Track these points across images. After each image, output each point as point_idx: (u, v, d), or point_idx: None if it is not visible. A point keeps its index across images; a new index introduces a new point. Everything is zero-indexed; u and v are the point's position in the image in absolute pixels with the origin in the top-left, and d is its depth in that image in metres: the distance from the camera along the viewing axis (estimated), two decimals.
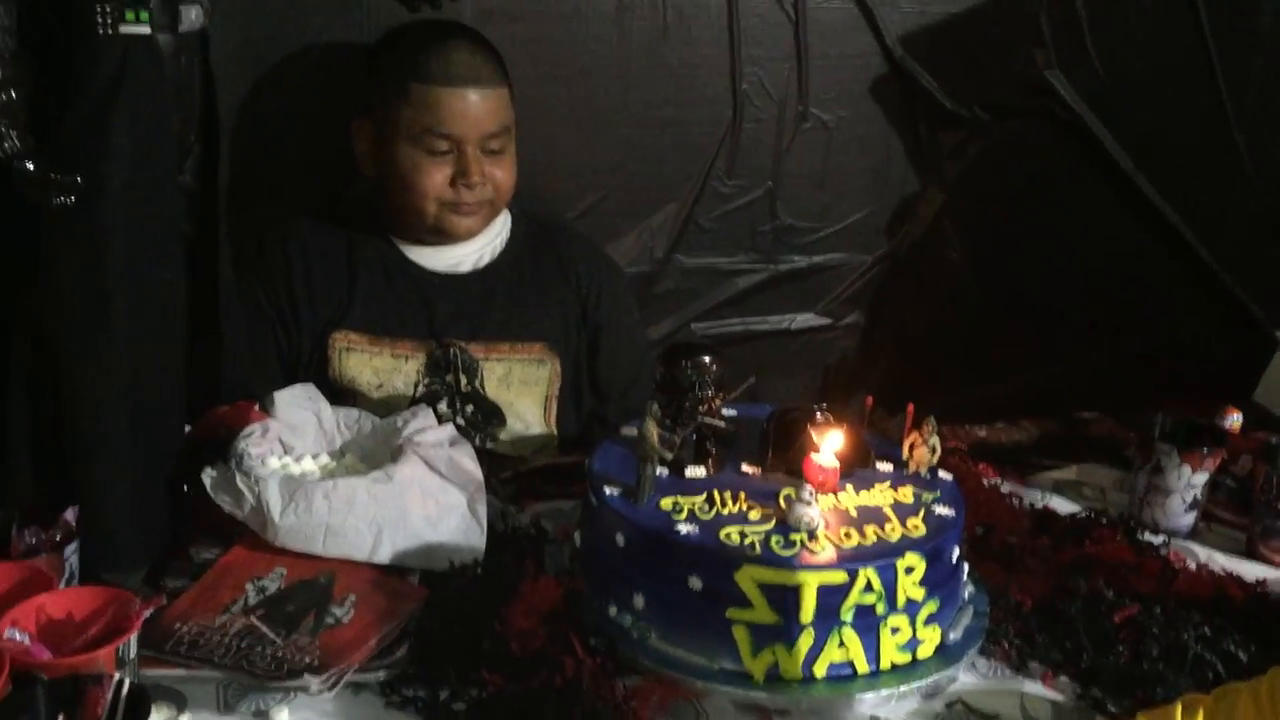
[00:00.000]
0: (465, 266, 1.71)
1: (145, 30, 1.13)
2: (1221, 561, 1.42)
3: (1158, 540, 1.43)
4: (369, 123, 1.65)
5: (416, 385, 1.65)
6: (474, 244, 1.72)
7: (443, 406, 1.64)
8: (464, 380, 1.66)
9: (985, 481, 1.55)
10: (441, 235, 1.68)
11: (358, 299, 1.65)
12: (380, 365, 1.64)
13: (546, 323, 1.73)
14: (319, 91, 1.76)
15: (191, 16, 1.18)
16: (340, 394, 1.60)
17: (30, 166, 1.08)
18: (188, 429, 1.33)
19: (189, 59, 1.21)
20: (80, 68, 1.12)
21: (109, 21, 1.11)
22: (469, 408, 1.67)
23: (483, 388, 1.68)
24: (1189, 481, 1.46)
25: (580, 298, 1.76)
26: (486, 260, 1.72)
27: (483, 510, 1.30)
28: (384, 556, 1.23)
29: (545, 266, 1.76)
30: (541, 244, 1.77)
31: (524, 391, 1.70)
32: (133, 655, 0.99)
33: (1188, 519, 1.48)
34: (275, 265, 1.65)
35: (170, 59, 1.18)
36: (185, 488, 1.27)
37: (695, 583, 1.14)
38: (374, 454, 1.36)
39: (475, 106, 1.61)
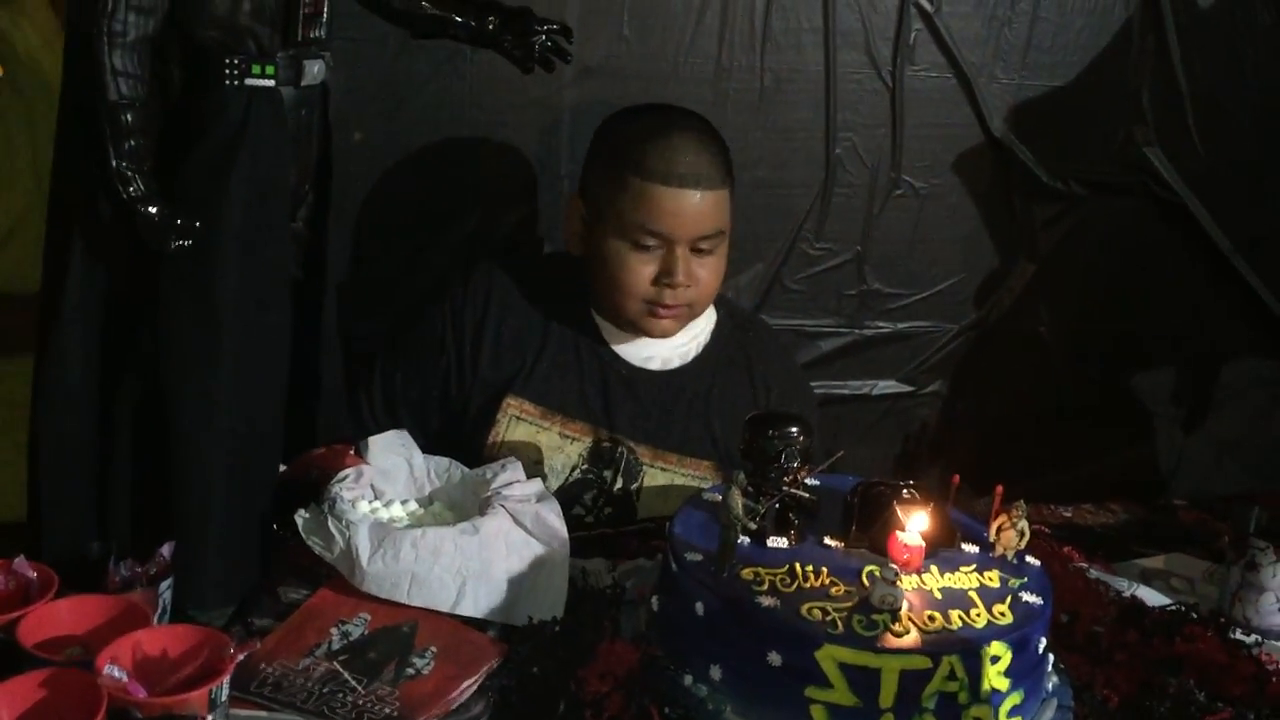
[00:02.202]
0: (656, 364, 1.66)
1: (270, 84, 1.17)
2: None
3: (1249, 640, 1.39)
4: (582, 203, 1.62)
5: (573, 470, 1.61)
6: (673, 341, 1.66)
7: (587, 499, 1.61)
8: (620, 482, 1.62)
9: (1070, 566, 1.52)
10: (638, 332, 1.64)
11: (542, 367, 1.61)
12: (546, 441, 1.60)
13: (721, 442, 1.66)
14: (423, 142, 1.80)
15: (314, 71, 1.22)
16: (494, 460, 1.50)
17: (154, 211, 1.12)
18: (282, 468, 1.35)
19: (310, 111, 1.25)
20: (205, 117, 1.16)
21: (236, 74, 1.15)
22: (608, 509, 1.62)
23: (637, 494, 1.63)
24: None
25: None
26: (678, 363, 1.67)
27: (565, 568, 1.30)
28: (466, 608, 1.24)
29: (735, 383, 1.69)
30: (736, 355, 1.71)
31: (677, 504, 1.61)
32: (224, 698, 1.01)
33: None
34: (474, 307, 1.62)
35: (291, 110, 1.21)
36: (276, 526, 1.30)
37: (774, 658, 1.13)
38: (462, 504, 1.38)
39: (693, 208, 1.55)
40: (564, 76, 1.79)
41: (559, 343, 1.64)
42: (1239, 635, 1.40)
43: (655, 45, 1.88)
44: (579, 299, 1.66)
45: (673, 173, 1.54)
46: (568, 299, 1.66)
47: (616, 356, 1.65)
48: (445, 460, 1.42)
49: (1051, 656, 1.25)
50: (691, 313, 1.63)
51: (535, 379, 1.61)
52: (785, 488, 1.27)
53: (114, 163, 1.10)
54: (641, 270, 1.57)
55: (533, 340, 1.63)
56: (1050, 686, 1.24)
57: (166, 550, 1.17)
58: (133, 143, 1.11)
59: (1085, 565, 1.54)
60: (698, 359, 1.69)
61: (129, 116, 1.10)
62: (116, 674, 0.96)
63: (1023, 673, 1.16)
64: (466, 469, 1.41)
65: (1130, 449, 2.24)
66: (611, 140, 1.60)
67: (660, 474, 1.64)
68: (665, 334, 1.64)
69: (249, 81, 1.16)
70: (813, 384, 2.11)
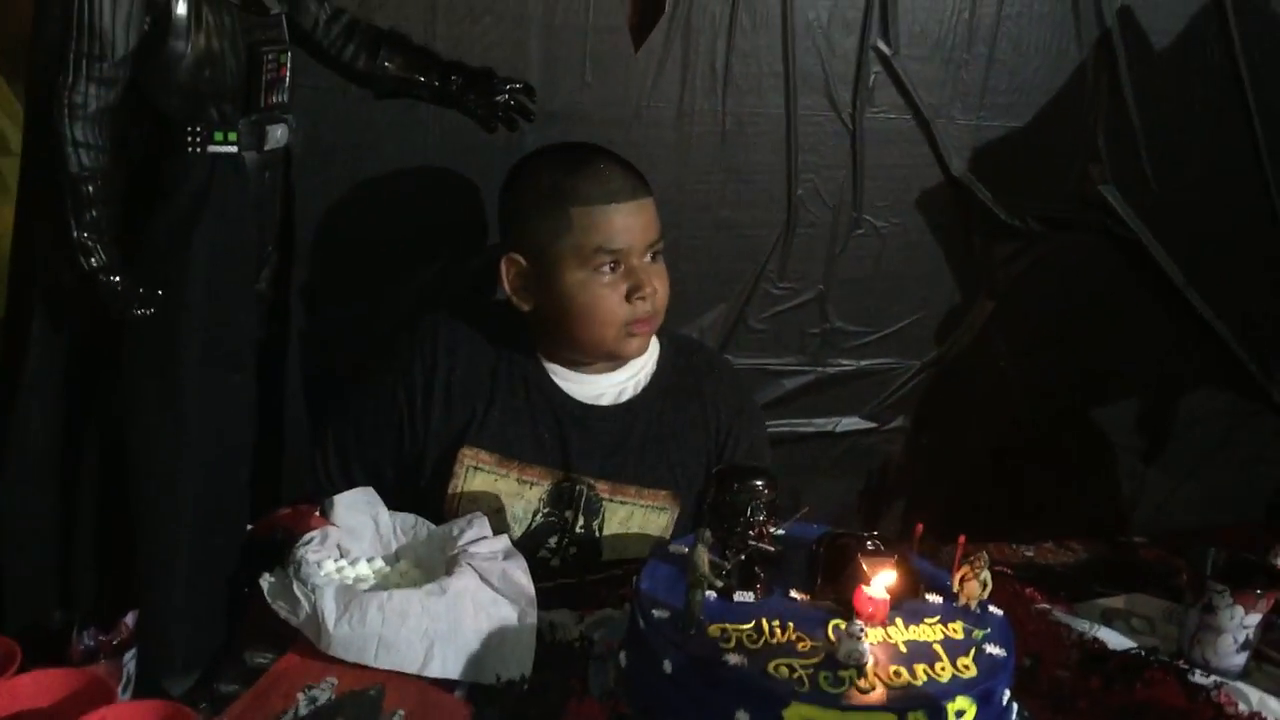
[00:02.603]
0: (607, 399, 1.68)
1: (233, 150, 1.17)
2: (1273, 706, 1.39)
3: (1208, 681, 1.41)
4: (521, 258, 1.62)
5: (535, 514, 1.62)
6: (620, 374, 1.69)
7: (552, 542, 1.62)
8: (581, 520, 1.63)
9: (1033, 608, 1.54)
10: (613, 360, 1.66)
11: (493, 415, 1.62)
12: (505, 488, 1.61)
13: (678, 469, 1.68)
14: (386, 202, 1.80)
15: (277, 135, 1.22)
16: (457, 512, 1.55)
17: (116, 280, 1.11)
18: (249, 527, 1.35)
19: (273, 174, 1.25)
20: (168, 183, 1.17)
21: (198, 141, 1.15)
22: (572, 549, 1.63)
23: (600, 530, 1.64)
24: (1241, 622, 1.44)
25: (717, 446, 1.72)
26: (629, 395, 1.69)
27: (533, 625, 1.30)
28: (434, 670, 1.24)
29: (686, 410, 1.71)
30: (684, 382, 1.73)
31: (641, 539, 1.64)
32: None
33: (1239, 659, 1.46)
34: (423, 361, 1.62)
35: (255, 174, 1.22)
36: (243, 589, 1.29)
37: (743, 716, 1.14)
38: (429, 560, 1.38)
39: (638, 219, 1.60)
40: (529, 123, 1.79)
41: (508, 389, 1.65)
42: (1199, 678, 1.42)
43: (617, 90, 1.89)
44: (523, 343, 1.67)
45: (611, 191, 1.58)
46: (512, 344, 1.67)
47: (567, 397, 1.67)
48: (411, 517, 1.42)
49: (1016, 706, 1.26)
50: (656, 324, 1.66)
51: (489, 427, 1.62)
52: (751, 542, 1.28)
53: (75, 233, 1.10)
54: (612, 294, 1.59)
55: (481, 388, 1.63)
56: None
57: (130, 619, 1.17)
58: (94, 213, 1.10)
59: (1048, 607, 1.56)
60: (646, 389, 1.71)
61: (90, 188, 1.10)
62: None
63: None
64: (433, 525, 1.41)
65: (1091, 480, 2.27)
66: (536, 185, 1.61)
67: (620, 508, 1.66)
68: (640, 351, 1.67)
69: (211, 148, 1.16)
70: (778, 422, 2.13)
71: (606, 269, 1.58)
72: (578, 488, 1.64)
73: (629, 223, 1.59)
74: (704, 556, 1.21)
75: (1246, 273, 2.25)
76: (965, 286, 2.17)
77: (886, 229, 2.09)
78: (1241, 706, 1.38)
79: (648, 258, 1.62)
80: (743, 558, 1.29)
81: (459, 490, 1.60)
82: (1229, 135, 2.17)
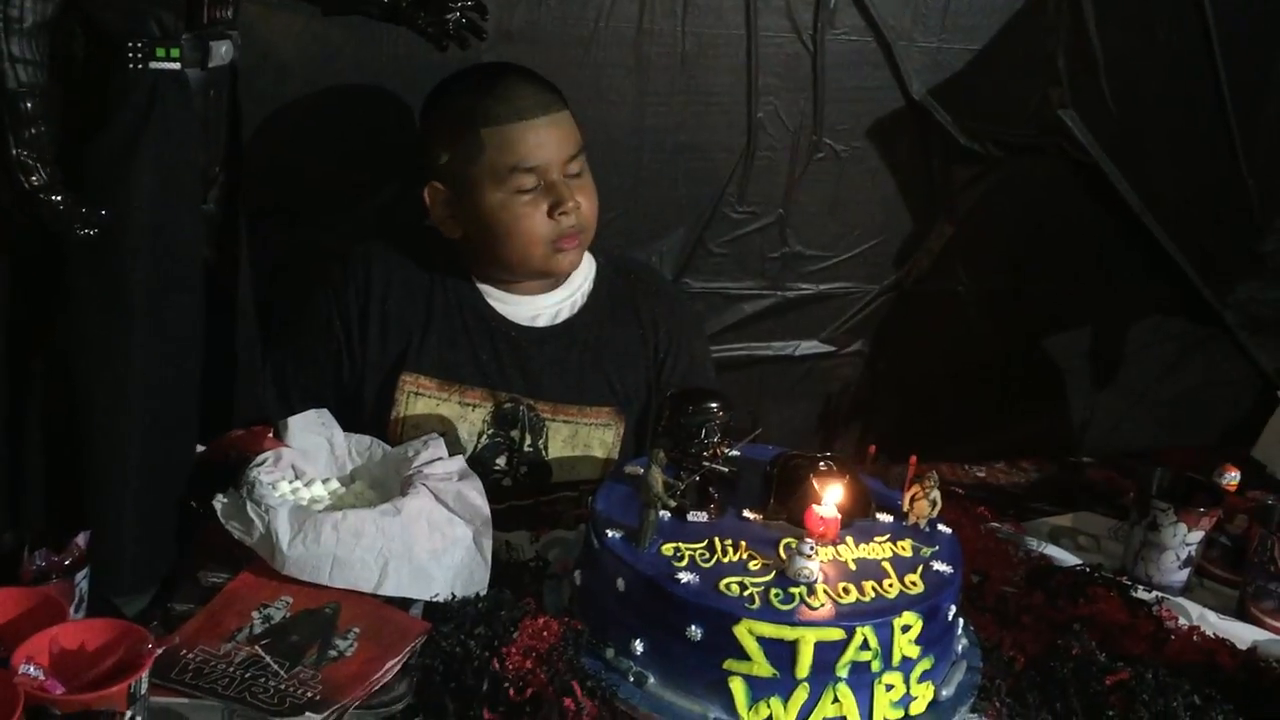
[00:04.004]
0: (543, 320, 1.68)
1: (175, 66, 1.15)
2: (1213, 621, 1.43)
3: (1150, 597, 1.45)
4: (441, 185, 1.62)
5: (480, 435, 1.63)
6: (556, 295, 1.69)
7: (500, 462, 1.63)
8: (528, 439, 1.64)
9: (982, 526, 1.57)
10: (545, 278, 1.66)
11: (431, 341, 1.63)
12: (447, 412, 1.62)
13: (618, 386, 1.70)
14: (339, 122, 1.77)
15: (221, 52, 1.19)
16: (400, 438, 1.56)
17: (58, 199, 1.09)
18: (200, 449, 1.34)
19: (218, 92, 1.22)
20: (109, 101, 1.14)
21: (140, 57, 1.13)
22: (523, 469, 1.65)
23: (545, 449, 1.66)
24: (1184, 539, 1.48)
25: (657, 361, 1.73)
26: (565, 315, 1.69)
27: (488, 545, 1.31)
28: (389, 589, 1.25)
29: (624, 326, 1.72)
30: (622, 300, 1.74)
31: (586, 454, 1.66)
32: (144, 691, 1.01)
33: (1181, 575, 1.50)
34: (357, 288, 1.62)
35: (199, 93, 1.19)
36: (196, 509, 1.29)
37: (694, 633, 1.15)
38: (384, 482, 1.38)
39: (551, 133, 1.59)
40: (482, 42, 1.76)
41: (444, 313, 1.65)
42: (1141, 593, 1.46)
43: (575, 9, 1.86)
44: (458, 268, 1.67)
45: (521, 108, 1.58)
46: (447, 269, 1.67)
47: (503, 319, 1.67)
48: (367, 439, 1.42)
49: (961, 621, 1.29)
50: (586, 239, 1.66)
51: (427, 352, 1.63)
52: (705, 463, 1.29)
53: (13, 150, 1.07)
54: (534, 213, 1.59)
55: (418, 314, 1.64)
56: (960, 649, 1.28)
57: (82, 539, 1.16)
58: (33, 130, 1.08)
59: (997, 525, 1.59)
60: (583, 309, 1.72)
61: (28, 104, 1.07)
62: (33, 672, 0.96)
63: (933, 639, 1.20)
64: (388, 447, 1.41)
65: (1045, 404, 2.30)
66: (448, 110, 1.61)
67: (564, 426, 1.68)
68: (574, 266, 1.68)
69: (153, 64, 1.13)
70: (736, 345, 2.15)
71: (526, 187, 1.58)
72: (520, 408, 1.65)
73: (542, 138, 1.59)
74: (658, 477, 1.22)
75: (1203, 199, 2.27)
76: (924, 211, 2.17)
77: (846, 153, 2.08)
78: (1181, 621, 1.41)
79: (569, 171, 1.61)
80: (697, 478, 1.30)
81: (401, 415, 1.61)
82: (1190, 62, 2.17)
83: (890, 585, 1.20)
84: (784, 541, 1.25)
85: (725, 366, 2.08)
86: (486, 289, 1.68)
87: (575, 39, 1.88)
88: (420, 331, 1.63)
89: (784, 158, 2.06)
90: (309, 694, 1.12)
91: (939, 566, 1.25)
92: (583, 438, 1.67)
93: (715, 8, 1.93)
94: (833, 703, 1.15)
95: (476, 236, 1.63)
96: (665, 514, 1.26)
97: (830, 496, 1.27)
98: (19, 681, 0.95)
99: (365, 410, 1.61)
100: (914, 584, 1.21)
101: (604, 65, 1.90)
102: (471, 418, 1.63)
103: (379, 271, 1.64)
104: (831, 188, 2.11)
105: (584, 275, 1.73)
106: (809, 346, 2.21)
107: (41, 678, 0.96)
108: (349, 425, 1.45)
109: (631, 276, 1.78)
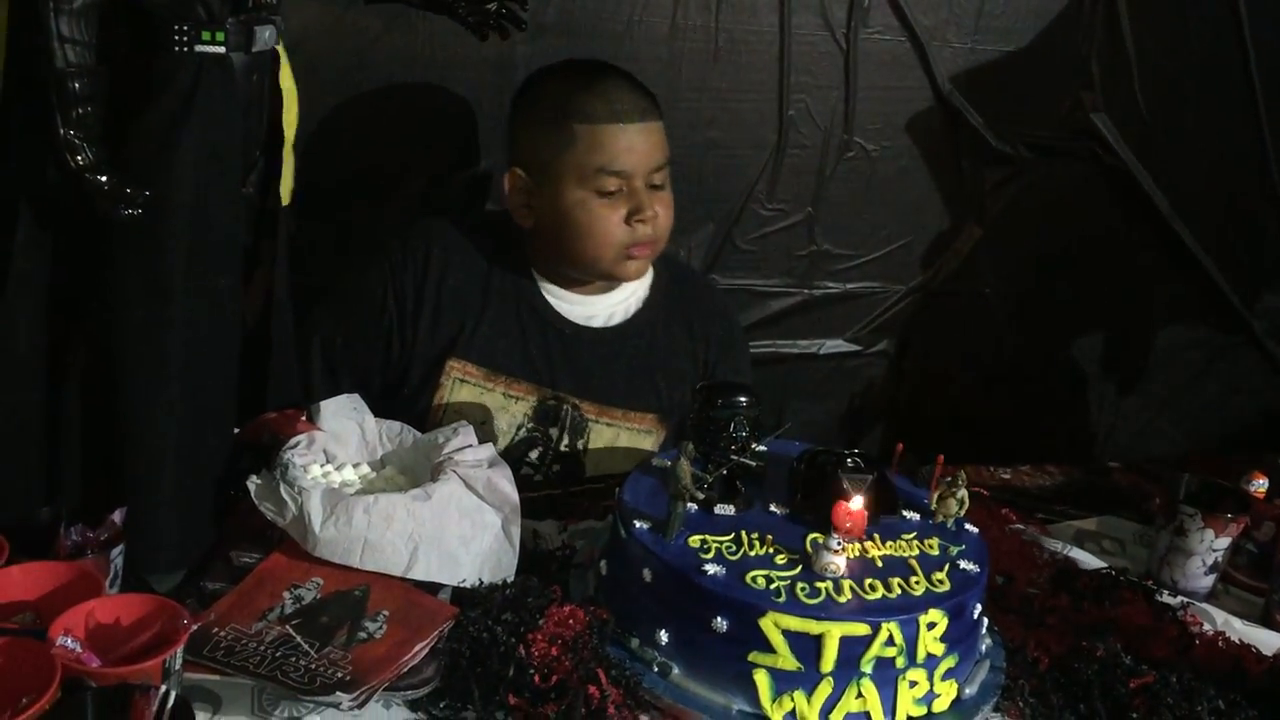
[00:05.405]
0: (598, 321, 1.68)
1: (220, 50, 1.16)
2: (1238, 627, 1.43)
3: (1175, 601, 1.45)
4: (523, 173, 1.61)
5: (519, 429, 1.62)
6: (613, 297, 1.68)
7: (533, 456, 1.63)
8: (566, 439, 1.63)
9: (1007, 528, 1.57)
10: (609, 281, 1.65)
11: (483, 329, 1.61)
12: (490, 403, 1.61)
13: (664, 395, 1.69)
14: (374, 112, 1.78)
15: (265, 37, 1.20)
16: (441, 423, 1.54)
17: (103, 179, 1.10)
18: (236, 430, 1.36)
19: (260, 76, 1.23)
20: (154, 84, 1.15)
21: (185, 41, 1.14)
22: (556, 467, 1.64)
23: (584, 451, 1.65)
24: (1211, 545, 1.47)
25: (705, 372, 1.73)
26: (619, 319, 1.69)
27: (516, 532, 1.32)
28: (418, 573, 1.26)
29: (675, 336, 1.72)
30: (676, 308, 1.73)
31: (625, 459, 1.64)
32: (178, 666, 1.03)
33: (1207, 581, 1.50)
34: (414, 268, 1.61)
35: (242, 76, 1.20)
36: (230, 490, 1.31)
37: (720, 624, 1.16)
38: (414, 468, 1.39)
39: (643, 140, 1.58)
40: (522, 31, 1.77)
41: (499, 303, 1.64)
42: (1166, 598, 1.45)
43: (610, 3, 1.87)
44: (518, 259, 1.66)
45: (618, 111, 1.56)
46: (507, 259, 1.66)
47: (559, 315, 1.66)
48: (397, 424, 1.43)
49: (986, 620, 1.29)
50: (656, 249, 1.65)
51: (477, 340, 1.62)
52: (733, 457, 1.30)
53: (62, 131, 1.08)
54: (611, 215, 1.58)
55: (473, 300, 1.63)
56: (984, 649, 1.29)
57: (118, 516, 1.18)
58: (81, 110, 1.09)
59: (1022, 527, 1.59)
60: (638, 314, 1.71)
61: (77, 84, 1.08)
62: (70, 644, 0.97)
63: (958, 637, 1.20)
64: (419, 433, 1.42)
65: (1070, 407, 2.29)
66: (544, 100, 1.60)
67: (606, 429, 1.67)
68: (639, 275, 1.66)
69: (198, 48, 1.14)
70: (762, 342, 2.15)
71: (608, 189, 1.57)
72: (564, 407, 1.64)
73: (634, 143, 1.57)
74: (686, 469, 1.22)
75: (1234, 205, 2.26)
76: (953, 212, 2.17)
77: (877, 152, 2.08)
78: (1206, 626, 1.41)
79: (653, 181, 1.60)
80: (724, 472, 1.30)
81: (444, 401, 1.60)
82: (1223, 67, 2.16)
83: (917, 582, 1.21)
84: (810, 536, 1.25)
85: (751, 363, 2.08)
86: (546, 284, 1.66)
87: (609, 34, 1.89)
88: (474, 318, 1.62)
89: (814, 156, 2.07)
90: (339, 674, 1.13)
91: (965, 565, 1.25)
92: (624, 442, 1.67)
93: (749, 5, 1.94)
94: (856, 698, 1.15)
95: (549, 229, 1.61)
96: (692, 506, 1.27)
97: (858, 496, 1.28)
98: (56, 653, 0.97)
99: (408, 392, 1.61)
100: (940, 582, 1.21)
101: (636, 59, 1.90)
102: (514, 410, 1.63)
103: (438, 251, 1.62)
104: (861, 187, 2.11)
105: (643, 280, 1.71)
106: (834, 345, 2.22)
107: (79, 650, 0.98)
108: (391, 407, 1.46)
109: (688, 287, 1.77)
